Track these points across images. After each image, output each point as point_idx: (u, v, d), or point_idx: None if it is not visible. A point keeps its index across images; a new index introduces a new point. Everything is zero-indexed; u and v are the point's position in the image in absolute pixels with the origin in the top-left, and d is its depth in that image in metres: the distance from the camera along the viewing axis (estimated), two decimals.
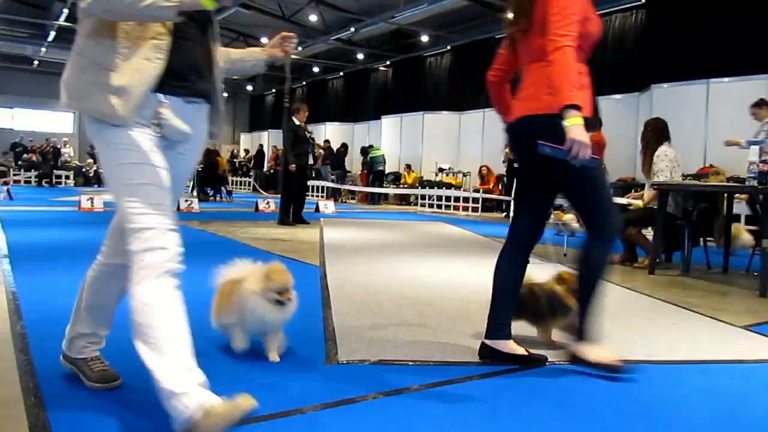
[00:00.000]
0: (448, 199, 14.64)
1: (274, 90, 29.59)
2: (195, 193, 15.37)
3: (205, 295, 2.86)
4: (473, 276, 5.05)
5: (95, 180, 23.80)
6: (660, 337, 3.14)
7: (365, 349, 2.75)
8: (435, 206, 15.08)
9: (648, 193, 6.00)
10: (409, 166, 17.75)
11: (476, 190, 14.49)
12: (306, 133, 9.28)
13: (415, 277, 4.84)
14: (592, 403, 2.22)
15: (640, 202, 6.23)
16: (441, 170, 16.44)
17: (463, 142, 17.18)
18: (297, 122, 9.14)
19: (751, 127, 7.85)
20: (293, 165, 9.00)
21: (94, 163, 24.44)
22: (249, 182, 23.75)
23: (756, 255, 5.44)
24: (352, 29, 18.42)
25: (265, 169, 23.67)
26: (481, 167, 15.41)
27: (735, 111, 10.44)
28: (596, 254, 2.61)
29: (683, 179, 6.30)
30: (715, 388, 2.44)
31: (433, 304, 3.82)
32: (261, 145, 25.34)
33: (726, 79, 10.95)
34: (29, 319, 3.07)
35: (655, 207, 5.59)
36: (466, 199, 14.30)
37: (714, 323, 3.52)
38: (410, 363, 2.60)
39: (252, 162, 24.99)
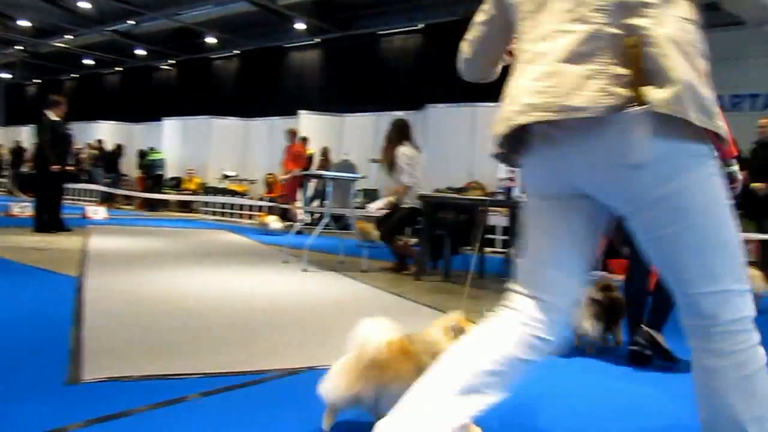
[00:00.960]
0: (233, 206, 14.30)
1: (39, 80, 26.59)
2: None
3: None
4: (245, 285, 4.96)
5: None
6: None
7: (114, 365, 2.53)
8: (219, 214, 14.65)
9: (395, 188, 6.35)
10: (192, 171, 17.03)
11: (262, 198, 14.34)
12: (65, 130, 8.39)
13: (186, 288, 4.62)
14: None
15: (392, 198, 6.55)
16: (226, 177, 16.01)
17: (250, 150, 16.93)
18: (54, 117, 8.19)
19: None
20: (57, 166, 8.06)
21: None
22: (1, 183, 20.99)
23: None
24: (131, 22, 17.24)
25: (24, 168, 21.09)
26: (267, 175, 15.30)
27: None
28: None
29: (448, 192, 6.83)
30: None
31: (200, 314, 3.67)
32: (18, 142, 22.60)
33: (490, 104, 12.16)
34: None
35: (404, 204, 6.02)
36: (251, 207, 14.08)
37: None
38: (157, 378, 2.44)
39: (9, 160, 22.13)
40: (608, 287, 3.38)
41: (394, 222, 6.32)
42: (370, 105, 14.96)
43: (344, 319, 3.74)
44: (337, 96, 16.25)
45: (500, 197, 5.12)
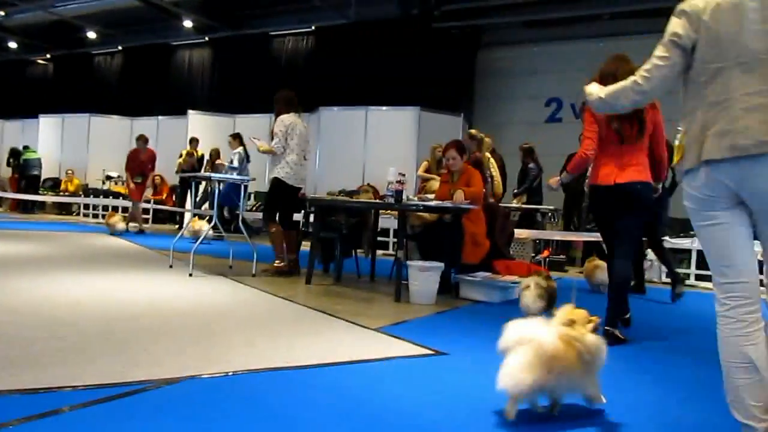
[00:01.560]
0: (116, 209, 13.60)
1: None
2: None
3: None
4: (126, 292, 4.74)
5: None
6: (301, 344, 3.32)
7: None
8: (101, 216, 13.88)
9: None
10: (72, 172, 16.04)
11: (148, 201, 13.74)
12: None
13: (57, 295, 4.34)
14: (226, 416, 2.22)
15: None
16: (109, 178, 15.20)
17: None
18: None
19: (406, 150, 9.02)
20: None
21: None
22: None
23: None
24: (2, 12, 16.00)
25: None
26: (153, 176, 14.68)
27: (389, 136, 11.90)
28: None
29: (340, 195, 6.84)
30: (343, 386, 2.66)
31: (72, 323, 3.46)
32: None
33: (383, 108, 12.34)
34: None
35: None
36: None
37: (352, 327, 3.85)
38: (27, 392, 2.28)
39: None
40: (549, 277, 4.64)
41: (267, 201, 6.19)
42: (262, 106, 14.71)
43: (228, 326, 3.68)
44: (228, 96, 15.85)
45: (390, 200, 5.19)
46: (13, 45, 18.77)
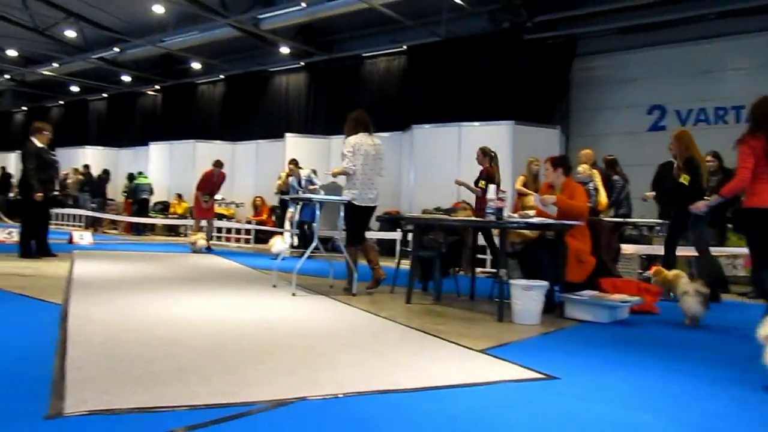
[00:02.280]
0: (219, 230, 14.22)
1: (24, 108, 26.43)
2: None
3: None
4: (234, 311, 4.89)
5: None
6: (406, 366, 3.29)
7: (97, 397, 2.46)
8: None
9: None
10: (180, 196, 16.93)
11: (249, 221, 14.28)
12: (50, 156, 8.31)
13: (171, 315, 4.54)
14: None
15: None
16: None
17: (236, 173, 16.87)
18: (39, 144, 8.12)
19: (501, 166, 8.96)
20: (40, 194, 7.92)
21: None
22: None
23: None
24: (116, 49, 17.22)
25: (12, 194, 20.94)
26: (254, 198, 15.26)
27: None
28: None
29: (437, 212, 6.80)
30: (451, 411, 2.59)
31: (187, 342, 3.60)
32: (3, 168, 22.48)
33: (475, 123, 12.23)
34: None
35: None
36: (238, 230, 14.01)
37: (457, 349, 3.78)
38: (142, 411, 2.37)
39: None
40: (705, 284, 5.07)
41: (348, 226, 6.27)
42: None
43: (334, 346, 3.70)
44: (323, 118, 16.25)
45: (491, 218, 5.09)
46: (126, 78, 20.15)
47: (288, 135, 15.14)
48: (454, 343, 3.92)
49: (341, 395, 2.69)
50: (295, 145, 15.01)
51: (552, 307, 5.21)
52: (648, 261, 8.09)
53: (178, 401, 2.49)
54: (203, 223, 11.86)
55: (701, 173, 6.38)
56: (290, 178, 11.53)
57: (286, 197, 10.03)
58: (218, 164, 11.98)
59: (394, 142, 13.77)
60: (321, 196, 6.61)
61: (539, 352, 3.81)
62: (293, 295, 5.82)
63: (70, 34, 16.89)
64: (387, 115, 14.65)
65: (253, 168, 16.47)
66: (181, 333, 3.85)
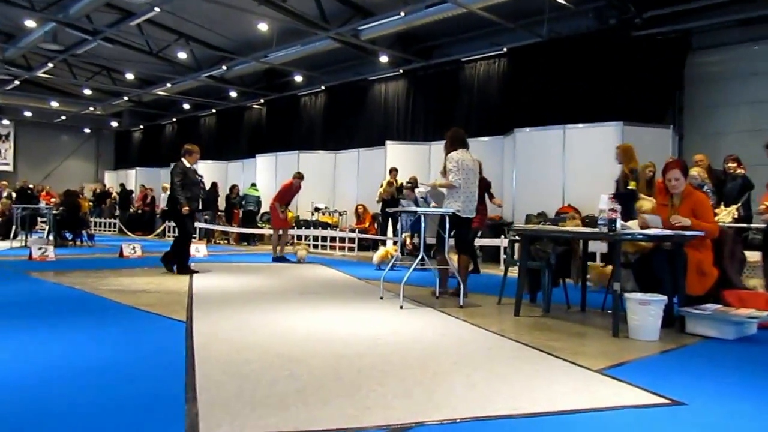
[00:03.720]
0: (324, 239, 14.59)
1: (141, 126, 28.37)
2: (51, 238, 14.24)
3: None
4: (345, 326, 4.99)
5: None
6: (523, 387, 3.24)
7: (229, 422, 2.60)
8: (311, 246, 14.97)
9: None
10: (286, 205, 17.52)
11: (352, 230, 14.56)
12: (197, 176, 8.83)
13: (286, 330, 4.71)
14: None
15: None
16: (317, 209, 16.38)
17: (338, 181, 17.27)
18: (187, 164, 8.64)
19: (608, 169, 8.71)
20: (186, 207, 8.44)
21: None
22: (115, 224, 22.40)
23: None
24: (224, 67, 18.12)
25: (132, 209, 22.52)
26: (357, 206, 15.54)
27: (589, 154, 11.39)
28: None
29: (542, 222, 6.65)
30: None
31: (304, 361, 3.72)
32: (122, 185, 24.22)
33: (580, 125, 11.86)
34: None
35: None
36: (342, 239, 14.32)
37: (573, 368, 3.68)
38: None
39: (117, 201, 23.68)
40: None
41: (456, 237, 6.62)
42: None
43: (447, 364, 3.70)
44: (423, 124, 16.34)
45: (603, 229, 4.91)
46: (233, 94, 21.15)
47: (388, 143, 15.32)
48: (569, 362, 3.82)
49: (459, 420, 2.69)
50: (395, 152, 15.17)
51: (671, 322, 4.95)
52: None
53: (301, 425, 2.58)
54: (280, 232, 12.03)
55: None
56: (404, 201, 11.57)
57: (391, 210, 10.17)
58: (299, 176, 12.20)
59: (495, 146, 13.61)
60: (428, 208, 6.74)
61: (661, 373, 3.64)
62: (401, 308, 5.88)
63: (182, 55, 17.95)
64: (488, 120, 14.54)
65: (354, 176, 16.78)
66: (298, 351, 3.98)
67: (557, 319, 5.54)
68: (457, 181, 6.46)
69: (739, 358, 4.16)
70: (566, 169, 11.90)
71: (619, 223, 4.91)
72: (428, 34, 15.31)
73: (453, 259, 7.22)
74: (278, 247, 11.57)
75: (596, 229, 5.09)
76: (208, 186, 19.43)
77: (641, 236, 4.92)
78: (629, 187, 7.83)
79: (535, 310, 6.01)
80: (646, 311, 4.59)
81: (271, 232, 14.78)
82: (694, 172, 8.73)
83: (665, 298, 4.68)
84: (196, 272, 8.64)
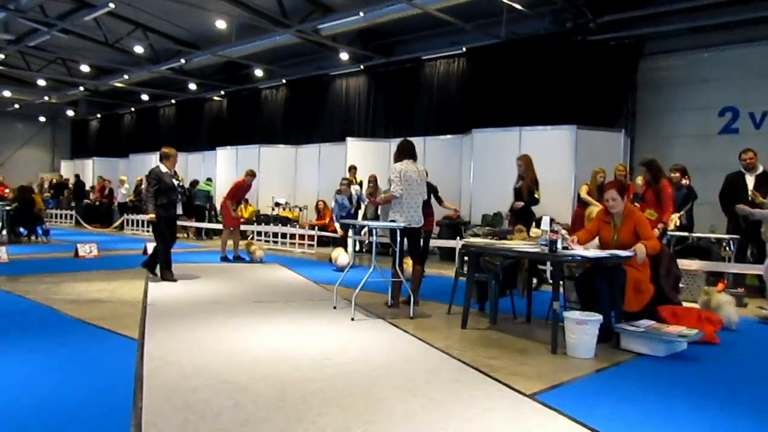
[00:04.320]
0: (284, 235, 14.62)
1: (98, 115, 27.80)
2: (4, 233, 13.99)
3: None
4: (295, 342, 5.09)
5: None
6: (458, 417, 3.40)
7: None
8: (271, 242, 14.99)
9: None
10: (246, 200, 17.46)
11: (312, 226, 14.61)
12: (173, 181, 8.49)
13: (235, 349, 4.79)
14: None
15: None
16: (278, 204, 16.39)
17: (299, 176, 17.30)
18: (164, 169, 8.41)
19: (561, 171, 8.93)
20: (152, 215, 8.25)
21: None
22: (71, 215, 22.02)
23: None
24: (182, 60, 17.89)
25: (89, 201, 22.20)
26: (317, 201, 15.59)
27: (544, 156, 11.65)
28: None
29: (491, 237, 6.84)
30: None
31: (250, 387, 3.82)
32: (77, 176, 23.91)
33: (536, 127, 12.12)
34: None
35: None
36: (302, 236, 14.36)
37: (508, 393, 3.86)
38: None
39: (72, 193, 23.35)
40: None
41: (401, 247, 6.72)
42: (416, 130, 15.09)
43: (388, 391, 3.83)
44: (383, 121, 16.44)
45: (545, 249, 5.12)
46: (192, 86, 20.90)
47: (349, 139, 15.39)
48: (506, 385, 4.00)
49: None
50: (356, 148, 15.25)
51: (609, 336, 5.19)
52: (714, 278, 7.88)
53: None
54: (231, 230, 11.88)
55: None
56: (338, 196, 11.75)
57: (343, 221, 10.46)
58: (252, 174, 12.14)
59: (454, 145, 13.83)
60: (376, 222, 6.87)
61: (591, 397, 3.86)
62: (352, 319, 6.01)
63: (138, 49, 17.64)
64: (447, 119, 14.72)
65: (315, 171, 16.83)
66: (246, 376, 4.08)
67: (502, 332, 5.74)
68: (398, 191, 6.56)
69: (666, 377, 4.40)
70: None
71: (560, 243, 5.13)
72: (389, 31, 15.37)
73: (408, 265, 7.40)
74: (229, 246, 11.49)
75: (538, 249, 5.29)
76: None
77: (581, 258, 5.13)
78: (536, 196, 8.29)
79: (482, 321, 6.20)
80: (582, 330, 4.81)
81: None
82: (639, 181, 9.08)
83: (601, 317, 4.91)
84: (175, 281, 8.35)
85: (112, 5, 13.47)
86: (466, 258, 6.56)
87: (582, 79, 12.50)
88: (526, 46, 13.29)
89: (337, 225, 11.89)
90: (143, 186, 8.46)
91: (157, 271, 8.62)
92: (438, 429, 3.23)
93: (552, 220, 5.25)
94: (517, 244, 5.96)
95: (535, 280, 7.80)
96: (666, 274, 5.71)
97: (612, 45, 12.39)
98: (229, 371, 4.18)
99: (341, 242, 11.62)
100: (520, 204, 8.14)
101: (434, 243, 12.49)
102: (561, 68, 12.74)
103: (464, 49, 14.45)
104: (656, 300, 5.53)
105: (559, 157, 11.67)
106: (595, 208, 6.75)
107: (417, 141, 13.91)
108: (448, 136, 14.14)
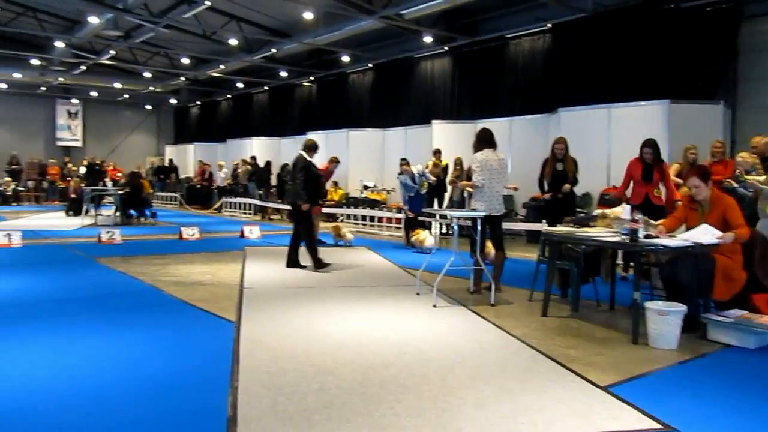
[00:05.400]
0: (372, 218, 14.95)
1: (198, 102, 29.24)
2: (118, 215, 15.24)
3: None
4: (378, 328, 5.34)
5: (14, 199, 23.09)
6: (527, 407, 3.52)
7: None
8: (361, 225, 15.37)
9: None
10: (336, 183, 17.97)
11: (400, 209, 14.83)
12: (317, 171, 8.85)
13: (322, 334, 5.10)
14: None
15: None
16: (366, 187, 16.76)
17: (387, 159, 17.56)
18: (308, 159, 8.64)
19: None
20: (307, 205, 8.45)
21: (12, 181, 23.61)
22: (175, 197, 23.46)
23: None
24: (273, 50, 18.52)
25: (194, 183, 23.66)
26: None
27: (635, 134, 11.27)
28: None
29: (572, 225, 6.80)
30: None
31: (335, 371, 4.10)
32: (170, 160, 25.74)
33: (626, 104, 11.73)
34: None
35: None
36: (389, 219, 14.63)
37: (581, 384, 3.93)
38: None
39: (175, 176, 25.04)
40: None
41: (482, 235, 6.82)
42: (501, 110, 14.94)
43: (463, 378, 3.99)
44: (469, 103, 16.37)
45: (625, 239, 5.08)
46: (283, 73, 21.59)
47: (434, 122, 15.47)
48: (580, 376, 4.07)
49: None
50: (441, 130, 15.32)
51: (695, 326, 5.09)
52: None
53: None
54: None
55: None
56: (401, 176, 11.88)
57: (426, 211, 10.64)
58: (336, 161, 12.39)
59: (539, 124, 13.61)
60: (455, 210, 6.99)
61: (668, 390, 3.85)
62: (434, 306, 6.20)
63: (233, 41, 18.47)
64: (532, 98, 14.48)
65: (402, 154, 16.97)
66: (330, 359, 4.37)
67: (583, 321, 5.75)
68: (480, 181, 6.74)
69: (755, 372, 4.30)
70: (611, 149, 11.83)
71: (641, 232, 5.07)
72: (473, 10, 15.19)
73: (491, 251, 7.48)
74: (349, 233, 11.83)
75: (618, 239, 5.25)
76: (261, 163, 20.10)
77: (662, 248, 5.05)
78: (576, 177, 8.19)
79: (563, 309, 6.22)
80: (664, 320, 4.77)
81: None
82: (740, 158, 8.65)
83: (684, 307, 4.83)
84: (329, 264, 8.55)
85: (208, 2, 14.13)
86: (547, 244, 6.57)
87: (676, 49, 11.92)
88: (615, 18, 12.82)
89: (405, 206, 11.99)
90: (297, 176, 8.46)
91: (303, 262, 8.65)
92: (508, 418, 3.37)
93: (633, 208, 5.18)
94: (599, 231, 5.91)
95: (622, 267, 7.72)
96: (761, 259, 5.49)
97: (708, 11, 11.72)
98: (316, 355, 4.48)
99: (413, 223, 11.69)
100: (568, 187, 7.97)
101: (521, 226, 12.49)
102: (652, 39, 12.19)
103: (549, 25, 14.12)
104: (750, 288, 5.34)
105: (651, 134, 11.18)
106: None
107: (502, 121, 14.08)
108: (534, 116, 13.92)
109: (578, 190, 11.82)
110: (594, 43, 13.15)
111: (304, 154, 8.66)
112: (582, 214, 9.87)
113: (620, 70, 12.59)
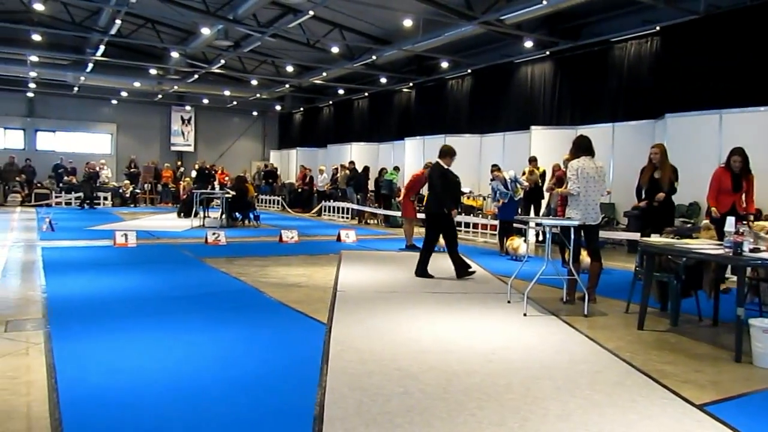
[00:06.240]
0: (467, 225, 14.91)
1: (301, 108, 30.25)
2: (224, 218, 16.04)
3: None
4: (465, 336, 5.37)
5: (131, 200, 24.78)
6: (613, 421, 3.45)
7: None
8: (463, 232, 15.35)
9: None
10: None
11: (496, 216, 14.70)
12: (454, 178, 8.92)
13: (409, 339, 5.20)
14: None
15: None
16: (462, 193, 16.72)
17: (484, 165, 17.44)
18: (445, 166, 8.68)
19: None
20: (455, 210, 8.66)
21: (131, 184, 25.41)
22: (278, 201, 24.43)
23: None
24: (374, 57, 18.88)
25: (295, 187, 24.53)
26: None
27: (748, 140, 10.61)
28: None
29: (672, 237, 6.52)
30: None
31: (419, 376, 4.18)
32: (272, 164, 27.06)
33: (739, 110, 11.07)
34: (66, 400, 3.54)
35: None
36: (484, 225, 14.54)
37: (673, 401, 3.79)
38: None
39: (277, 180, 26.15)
40: None
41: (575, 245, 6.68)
42: (604, 116, 14.49)
43: (548, 390, 3.96)
44: (569, 108, 15.97)
45: (728, 252, 4.84)
46: (383, 80, 21.96)
47: (533, 127, 15.23)
48: (673, 393, 3.93)
49: None
50: (540, 136, 15.06)
51: None
52: None
53: None
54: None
55: None
56: (493, 182, 11.73)
57: (519, 218, 10.44)
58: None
59: (644, 131, 13.09)
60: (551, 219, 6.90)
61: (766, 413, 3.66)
62: (524, 315, 6.15)
63: (335, 48, 19.01)
64: (637, 103, 13.95)
65: (499, 160, 16.80)
66: (416, 365, 4.45)
67: (682, 335, 5.52)
68: (576, 189, 6.64)
69: None
70: (722, 156, 11.15)
71: (747, 246, 4.82)
72: (576, 13, 14.82)
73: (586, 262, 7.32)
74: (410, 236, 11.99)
75: (721, 251, 5.01)
76: (360, 168, 20.54)
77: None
78: (675, 186, 7.52)
79: (662, 322, 5.99)
80: None
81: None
82: None
83: None
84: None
85: (311, 12, 14.67)
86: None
87: None
88: (729, 19, 12.10)
89: (495, 211, 11.94)
90: (435, 184, 8.61)
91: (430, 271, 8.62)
92: (591, 431, 3.32)
93: (738, 220, 4.92)
94: (702, 243, 5.65)
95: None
96: None
97: None
98: (402, 359, 4.59)
99: (508, 230, 11.50)
100: (662, 196, 7.47)
101: (621, 235, 12.08)
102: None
103: (657, 28, 13.51)
104: None
105: (766, 142, 10.55)
106: None
107: (605, 128, 13.68)
108: (639, 122, 13.41)
109: (684, 199, 11.40)
110: (706, 46, 12.47)
111: (441, 162, 8.71)
112: (689, 225, 9.43)
113: (733, 74, 11.88)
